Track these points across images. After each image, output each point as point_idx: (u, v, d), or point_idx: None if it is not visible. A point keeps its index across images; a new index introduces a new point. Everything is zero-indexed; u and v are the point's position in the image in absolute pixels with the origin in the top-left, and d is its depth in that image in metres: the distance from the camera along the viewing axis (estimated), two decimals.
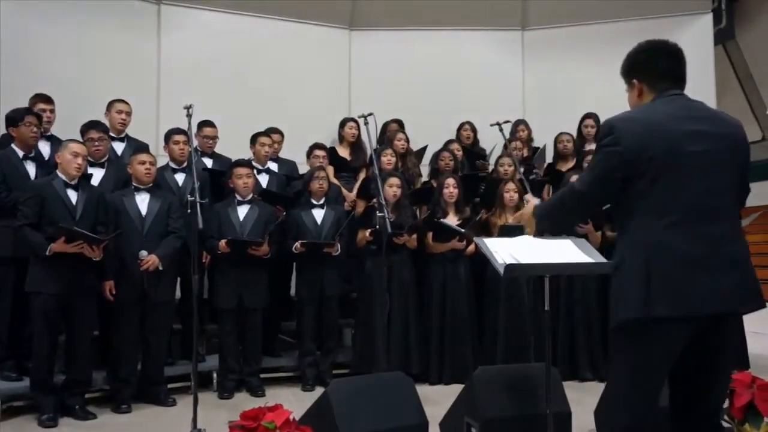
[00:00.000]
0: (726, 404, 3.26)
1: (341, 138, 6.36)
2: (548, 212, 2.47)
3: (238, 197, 4.97)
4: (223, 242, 4.75)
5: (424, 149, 6.50)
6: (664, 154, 2.11)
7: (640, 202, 2.14)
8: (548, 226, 2.53)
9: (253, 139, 5.59)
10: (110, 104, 5.23)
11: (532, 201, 2.60)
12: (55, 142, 4.68)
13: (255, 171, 5.24)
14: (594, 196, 2.28)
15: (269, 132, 5.78)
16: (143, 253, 4.40)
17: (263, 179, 5.49)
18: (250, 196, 5.00)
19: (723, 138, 2.18)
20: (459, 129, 6.72)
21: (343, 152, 6.27)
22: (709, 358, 2.18)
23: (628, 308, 2.11)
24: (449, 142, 6.41)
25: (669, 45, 2.32)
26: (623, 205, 2.20)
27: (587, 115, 6.33)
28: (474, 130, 6.69)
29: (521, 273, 3.92)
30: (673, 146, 2.12)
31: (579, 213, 2.42)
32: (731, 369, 2.27)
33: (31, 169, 4.52)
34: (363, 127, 4.71)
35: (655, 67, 2.30)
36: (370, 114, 4.58)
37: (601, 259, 2.94)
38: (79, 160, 4.24)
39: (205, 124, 5.52)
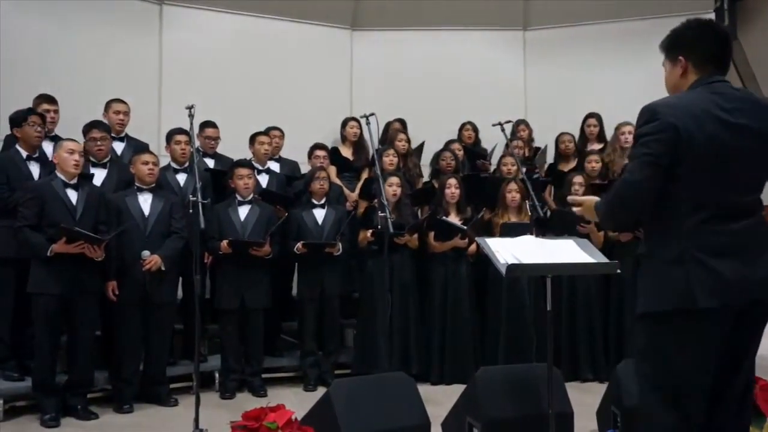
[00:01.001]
0: None
1: (343, 138, 6.35)
2: (610, 210, 2.28)
3: (239, 197, 4.97)
4: (224, 243, 4.75)
5: (421, 146, 6.50)
6: (705, 146, 2.07)
7: (677, 193, 2.10)
8: (612, 226, 2.45)
9: (252, 138, 5.59)
10: (108, 105, 5.22)
11: (589, 199, 2.46)
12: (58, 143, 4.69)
13: (255, 171, 5.23)
14: (649, 183, 2.11)
15: (268, 131, 5.78)
16: (146, 253, 4.40)
17: (263, 179, 5.47)
18: (251, 196, 5.00)
19: (762, 135, 2.13)
20: (461, 129, 6.72)
21: (346, 152, 6.26)
22: (740, 345, 2.17)
23: (669, 298, 2.08)
24: (450, 142, 6.41)
25: (720, 28, 2.27)
26: (658, 196, 2.13)
27: (590, 115, 6.32)
28: (476, 130, 6.69)
29: (523, 273, 3.91)
30: (713, 139, 2.07)
31: (638, 205, 2.19)
32: (755, 354, 2.23)
33: (35, 169, 4.52)
34: (365, 127, 4.71)
35: (703, 47, 2.22)
36: (372, 114, 4.58)
37: (604, 259, 2.94)
38: (76, 157, 4.24)
39: (207, 124, 5.52)
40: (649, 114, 2.14)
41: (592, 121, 6.31)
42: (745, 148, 2.11)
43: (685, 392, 2.09)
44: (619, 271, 3.09)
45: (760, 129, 2.13)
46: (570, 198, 2.66)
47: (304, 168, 5.97)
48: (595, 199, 2.39)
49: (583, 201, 2.49)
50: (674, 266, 2.08)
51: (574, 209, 2.52)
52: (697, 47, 2.22)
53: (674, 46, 2.27)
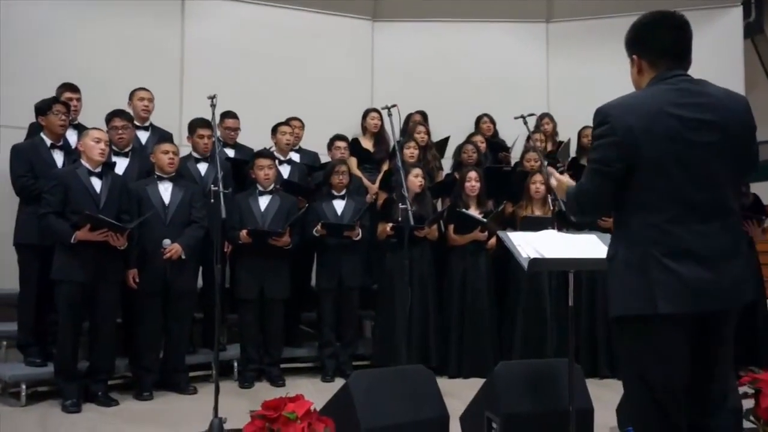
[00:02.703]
0: (752, 405, 3.22)
1: (364, 129, 6.34)
2: (571, 209, 2.31)
3: (260, 188, 4.98)
4: (244, 232, 4.77)
5: (446, 140, 6.46)
6: (662, 146, 2.02)
7: (638, 194, 2.06)
8: (576, 221, 2.47)
9: (274, 129, 5.60)
10: (132, 93, 5.27)
11: (566, 180, 2.49)
12: (82, 131, 4.72)
13: (276, 162, 5.24)
14: (600, 190, 2.13)
15: (289, 121, 5.78)
16: (166, 241, 4.42)
17: (284, 170, 5.49)
18: (272, 186, 5.01)
19: (724, 127, 2.05)
20: (478, 121, 6.67)
21: (366, 143, 6.25)
22: (709, 351, 2.13)
23: (631, 303, 2.06)
24: (472, 134, 6.37)
25: (674, 18, 2.16)
26: (620, 197, 2.11)
27: None
28: (493, 122, 6.64)
29: (546, 268, 3.88)
30: (671, 138, 2.02)
31: (591, 209, 2.27)
32: (730, 360, 2.18)
33: (58, 157, 4.56)
34: (386, 119, 4.69)
35: (656, 42, 2.16)
36: (394, 105, 4.56)
37: None
38: (102, 145, 4.26)
39: (227, 115, 5.53)
40: (600, 117, 2.12)
41: None
42: (705, 144, 2.03)
43: (659, 393, 2.07)
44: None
45: (718, 122, 2.05)
46: (549, 169, 2.70)
47: (324, 159, 5.96)
48: (572, 183, 2.41)
49: (560, 180, 2.52)
50: (636, 270, 2.05)
51: (551, 181, 2.55)
52: (649, 43, 2.17)
53: (629, 43, 2.24)
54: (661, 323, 2.03)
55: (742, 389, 3.25)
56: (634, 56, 2.22)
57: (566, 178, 2.51)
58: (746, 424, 3.25)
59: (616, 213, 2.16)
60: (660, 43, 2.16)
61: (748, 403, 3.24)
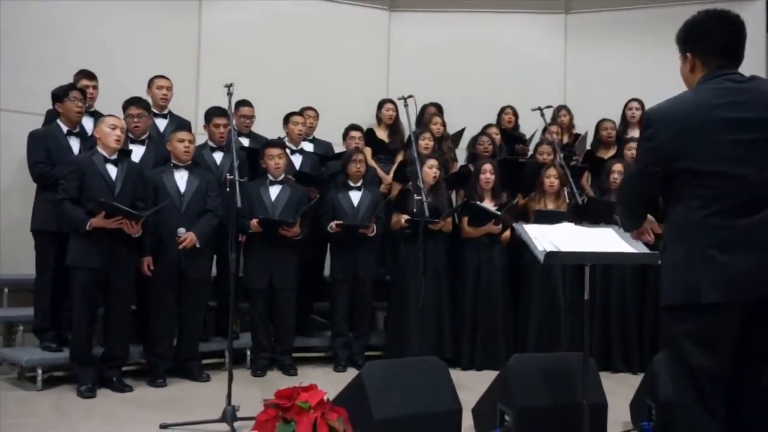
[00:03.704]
0: None
1: (379, 120, 6.32)
2: (622, 216, 2.49)
3: (271, 177, 4.97)
4: (254, 221, 4.77)
5: (461, 132, 6.43)
6: (703, 146, 2.08)
7: (683, 191, 2.13)
8: (631, 227, 2.57)
9: (286, 119, 5.59)
10: (151, 81, 5.28)
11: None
12: (98, 118, 4.74)
13: (288, 151, 5.23)
14: (641, 189, 2.30)
15: (303, 111, 5.77)
16: (181, 230, 4.43)
17: (297, 159, 5.48)
18: (282, 176, 5.00)
19: (765, 123, 2.08)
20: (500, 113, 6.63)
21: (381, 134, 6.23)
22: (759, 341, 2.14)
23: (676, 293, 2.13)
24: (487, 126, 6.33)
25: (729, 17, 2.21)
26: (668, 194, 2.20)
27: (632, 99, 6.20)
28: (516, 114, 6.59)
29: (561, 261, 3.86)
30: (712, 138, 2.08)
31: (639, 209, 2.42)
32: None
33: (75, 144, 4.58)
34: (402, 110, 4.67)
35: (709, 41, 2.20)
36: (410, 96, 4.53)
37: (644, 249, 2.88)
38: (118, 132, 4.27)
39: (242, 103, 5.52)
40: (645, 121, 2.24)
41: (634, 104, 6.18)
42: (748, 141, 2.07)
43: (702, 383, 2.11)
44: (660, 262, 3.03)
45: (762, 118, 2.09)
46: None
47: (338, 149, 5.95)
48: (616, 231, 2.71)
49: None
50: (683, 261, 2.12)
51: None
52: (703, 42, 2.21)
53: (683, 41, 2.28)
54: (706, 312, 2.07)
55: None
56: (688, 54, 2.26)
57: None
58: None
59: (665, 209, 2.25)
60: (716, 41, 2.20)
61: None
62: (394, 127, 6.23)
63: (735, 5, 6.78)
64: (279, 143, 5.13)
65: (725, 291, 2.04)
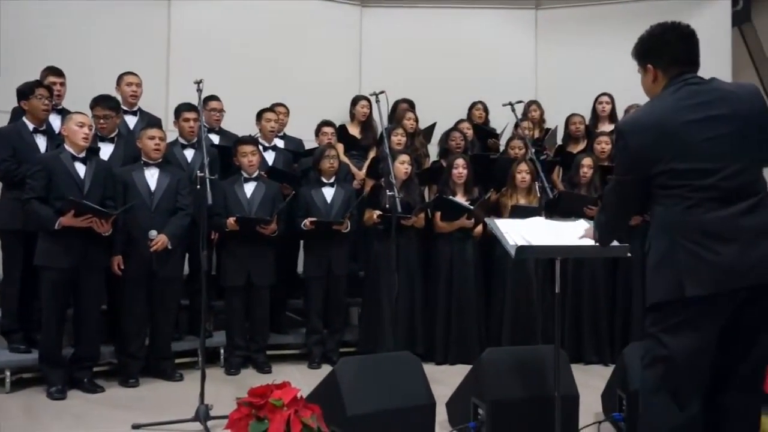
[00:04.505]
0: None
1: (352, 116, 6.31)
2: (605, 227, 2.53)
3: (245, 174, 4.95)
4: (231, 220, 4.74)
5: (432, 127, 6.45)
6: (677, 147, 2.17)
7: (663, 191, 2.21)
8: (611, 239, 2.62)
9: (259, 115, 5.55)
10: (120, 78, 5.20)
11: (587, 227, 2.80)
12: (66, 116, 4.66)
13: (261, 148, 5.20)
14: (627, 203, 2.39)
15: (274, 107, 5.73)
16: (152, 233, 4.38)
17: (269, 156, 5.44)
18: (257, 173, 4.97)
19: (737, 117, 2.18)
20: (471, 108, 6.66)
21: (354, 130, 6.22)
22: (741, 332, 2.21)
23: (660, 290, 2.19)
24: (459, 121, 6.36)
25: (681, 28, 2.33)
26: (650, 197, 2.29)
27: (603, 93, 6.28)
28: (486, 110, 6.63)
29: (533, 255, 3.89)
30: (683, 140, 2.17)
31: (624, 222, 2.58)
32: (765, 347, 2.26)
33: (41, 142, 4.50)
34: (374, 105, 4.66)
35: (667, 52, 2.32)
36: (382, 92, 4.53)
37: (614, 242, 2.91)
38: (86, 130, 4.20)
39: (211, 98, 5.45)
40: (617, 134, 2.35)
41: (605, 98, 6.26)
42: (722, 136, 2.16)
43: (679, 379, 2.16)
44: (629, 254, 3.07)
45: (729, 114, 2.18)
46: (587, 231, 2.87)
47: (309, 145, 5.93)
48: (590, 230, 2.72)
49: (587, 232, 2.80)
50: (666, 258, 2.18)
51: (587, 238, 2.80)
52: (664, 53, 2.32)
53: (643, 54, 2.38)
54: (692, 305, 2.12)
55: None
56: (649, 65, 2.36)
57: (588, 233, 2.80)
58: None
59: (649, 209, 2.33)
60: (673, 51, 2.32)
61: None
62: (367, 123, 6.23)
63: (702, 2, 6.94)
64: (251, 140, 5.09)
65: (709, 283, 2.10)
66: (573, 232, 2.95)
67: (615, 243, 2.86)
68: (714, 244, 2.10)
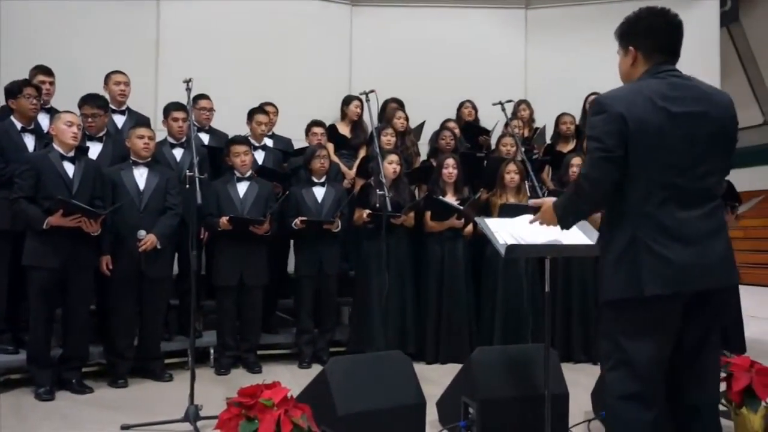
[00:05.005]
0: (724, 388, 3.27)
1: (343, 115, 6.30)
2: (569, 206, 2.35)
3: (237, 174, 4.93)
4: (224, 219, 4.72)
5: (421, 126, 6.45)
6: (650, 136, 2.12)
7: (627, 183, 2.15)
8: (573, 220, 2.43)
9: (250, 115, 5.54)
10: (107, 76, 5.18)
11: (547, 201, 2.53)
12: (55, 115, 4.63)
13: (252, 148, 5.19)
14: (608, 177, 2.18)
15: (264, 106, 5.72)
16: (141, 233, 4.36)
17: (259, 156, 5.44)
18: (249, 173, 4.96)
19: (711, 119, 2.16)
20: (460, 107, 6.67)
21: (344, 129, 6.22)
22: (699, 333, 2.21)
23: (618, 287, 2.16)
24: (446, 121, 6.37)
25: (670, 16, 2.28)
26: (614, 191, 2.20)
27: (592, 93, 6.29)
28: (475, 108, 6.64)
29: (523, 254, 3.90)
30: (658, 129, 2.12)
31: (599, 199, 2.26)
32: (718, 343, 2.28)
33: (29, 141, 4.47)
34: (364, 105, 4.66)
35: (653, 38, 2.26)
36: (372, 91, 4.53)
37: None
38: (75, 129, 4.18)
39: (200, 96, 5.44)
40: (597, 106, 2.21)
41: (594, 98, 6.26)
42: (691, 135, 2.13)
43: (640, 372, 2.15)
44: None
45: (705, 114, 2.15)
46: (531, 201, 2.77)
47: (298, 145, 5.93)
48: (552, 199, 2.47)
49: (542, 203, 2.57)
50: (625, 255, 2.14)
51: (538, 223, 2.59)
52: (647, 37, 2.26)
53: (625, 35, 2.32)
54: (649, 304, 2.11)
55: None
56: (631, 47, 2.30)
57: (546, 199, 2.57)
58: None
59: (610, 204, 2.24)
60: (659, 38, 2.26)
61: (720, 387, 3.29)
62: (357, 122, 6.23)
63: (690, 4, 6.98)
64: (243, 140, 5.08)
65: (668, 283, 2.08)
66: (563, 231, 2.95)
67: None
68: (674, 245, 2.09)
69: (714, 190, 2.20)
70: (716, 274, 2.14)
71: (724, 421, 3.36)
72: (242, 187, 4.94)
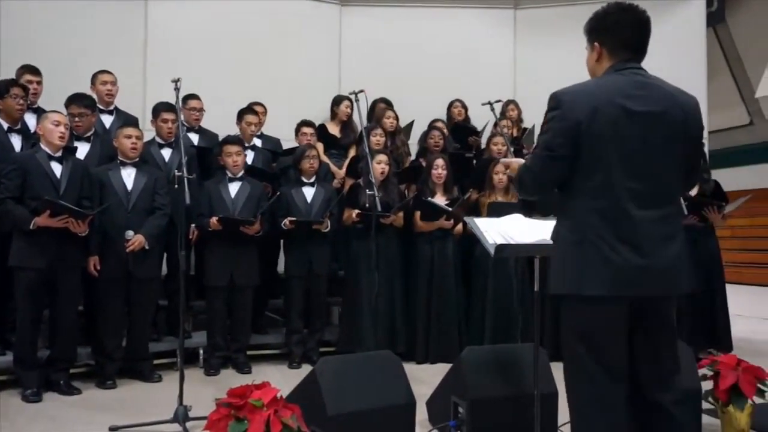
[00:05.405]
0: (711, 386, 3.29)
1: (333, 115, 6.30)
2: (519, 187, 2.39)
3: (229, 174, 4.92)
4: (214, 219, 4.71)
5: (410, 125, 6.46)
6: (608, 136, 2.09)
7: (582, 180, 2.13)
8: (521, 192, 2.45)
9: (239, 116, 5.53)
10: (94, 76, 5.15)
11: (519, 160, 2.50)
12: (42, 115, 4.60)
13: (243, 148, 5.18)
14: (545, 174, 2.21)
15: (253, 106, 5.70)
16: (129, 233, 4.34)
17: (249, 156, 5.40)
18: (241, 173, 4.95)
19: (673, 120, 2.13)
20: (450, 106, 6.68)
21: (333, 129, 6.21)
22: (648, 334, 2.20)
23: (561, 282, 2.17)
24: (435, 120, 6.38)
25: (638, 13, 2.24)
26: (566, 181, 2.19)
27: None
28: (465, 107, 6.65)
29: (512, 254, 3.91)
30: (617, 129, 2.09)
31: (536, 191, 2.33)
32: (672, 344, 2.24)
33: (16, 141, 4.44)
34: (354, 105, 4.66)
35: (619, 34, 2.23)
36: (361, 91, 4.53)
37: None
38: (62, 129, 4.15)
39: (190, 97, 5.43)
40: (553, 102, 2.20)
41: None
42: (651, 136, 2.10)
43: (591, 365, 2.14)
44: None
45: (667, 115, 2.12)
46: (502, 160, 2.80)
47: (286, 145, 5.92)
48: (521, 161, 2.44)
49: (511, 162, 2.54)
50: (574, 251, 2.13)
51: (508, 172, 2.59)
52: (612, 34, 2.24)
53: (592, 30, 2.30)
54: (589, 304, 2.11)
55: (701, 371, 3.34)
56: (596, 43, 2.28)
57: (516, 160, 2.55)
58: (705, 405, 3.34)
59: (562, 196, 2.22)
60: (624, 35, 2.22)
61: (707, 385, 3.32)
62: (347, 122, 6.22)
63: (677, 2, 7.02)
64: (236, 140, 5.07)
65: (608, 285, 2.06)
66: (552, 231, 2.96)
67: None
68: (624, 248, 2.06)
69: (672, 193, 2.17)
70: (662, 281, 2.10)
71: (711, 419, 3.41)
72: (234, 188, 4.93)
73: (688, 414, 2.23)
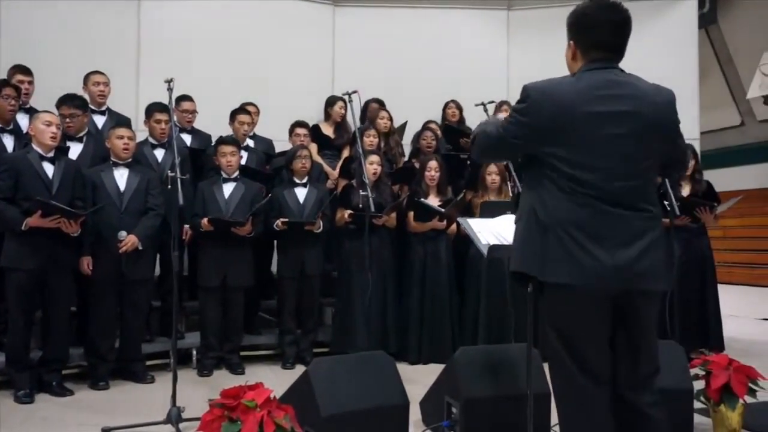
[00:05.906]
0: (702, 386, 3.31)
1: (327, 115, 6.29)
2: (473, 148, 2.46)
3: (224, 175, 4.91)
4: (205, 220, 4.71)
5: (404, 126, 6.46)
6: (573, 137, 2.08)
7: (550, 174, 2.13)
8: (471, 143, 2.51)
9: (232, 116, 5.52)
10: (86, 77, 5.14)
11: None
12: (34, 115, 4.58)
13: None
14: (496, 148, 2.34)
15: (245, 106, 5.70)
16: (122, 234, 4.33)
17: (242, 157, 5.42)
18: (236, 173, 4.95)
19: (644, 120, 2.10)
20: (444, 107, 6.68)
21: (327, 130, 6.21)
22: (626, 338, 2.20)
23: (524, 262, 2.17)
24: (428, 122, 6.38)
25: (615, 12, 2.19)
26: (535, 171, 2.18)
27: None
28: (459, 108, 6.65)
29: (505, 254, 3.91)
30: (583, 130, 2.08)
31: (480, 152, 2.46)
32: (651, 346, 2.23)
33: (8, 142, 4.43)
34: (347, 105, 4.66)
35: (593, 34, 2.19)
36: (355, 92, 4.53)
37: None
38: (53, 129, 4.14)
39: (183, 98, 5.41)
40: (524, 94, 2.20)
41: None
42: (621, 135, 2.08)
43: (585, 380, 2.14)
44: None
45: (637, 114, 2.10)
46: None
47: (279, 145, 5.91)
48: (500, 118, 2.49)
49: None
50: (539, 232, 2.12)
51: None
52: (588, 33, 2.21)
53: (569, 27, 2.27)
54: (562, 292, 2.11)
55: (693, 371, 3.35)
56: (571, 42, 2.26)
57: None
58: (697, 405, 3.35)
59: (531, 184, 2.23)
60: (596, 35, 2.19)
61: (699, 385, 3.34)
62: (341, 123, 6.22)
63: (668, 3, 7.05)
64: (231, 140, 5.06)
65: (565, 275, 2.07)
66: None
67: None
68: (589, 243, 2.05)
69: (643, 191, 2.14)
70: (629, 279, 2.08)
71: (702, 419, 3.42)
72: (228, 188, 4.92)
73: (663, 414, 2.22)
